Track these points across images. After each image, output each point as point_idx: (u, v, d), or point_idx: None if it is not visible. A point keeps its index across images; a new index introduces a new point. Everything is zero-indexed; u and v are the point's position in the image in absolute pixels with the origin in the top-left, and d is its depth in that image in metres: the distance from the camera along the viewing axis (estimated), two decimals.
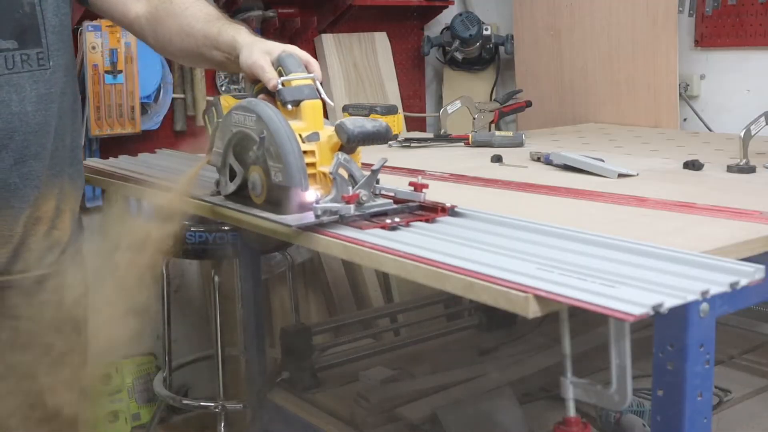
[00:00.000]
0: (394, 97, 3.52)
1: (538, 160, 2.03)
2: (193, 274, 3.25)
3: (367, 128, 1.32)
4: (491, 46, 3.64)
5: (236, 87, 3.25)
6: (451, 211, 1.31)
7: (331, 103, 1.45)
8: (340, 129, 1.32)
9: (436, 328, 2.69)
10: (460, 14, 3.58)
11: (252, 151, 1.35)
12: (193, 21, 1.56)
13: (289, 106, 1.38)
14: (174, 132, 3.12)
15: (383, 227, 1.24)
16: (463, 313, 2.82)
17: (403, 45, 3.61)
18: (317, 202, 1.24)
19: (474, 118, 2.67)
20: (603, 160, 1.89)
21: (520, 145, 2.35)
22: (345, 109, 2.73)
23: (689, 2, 2.94)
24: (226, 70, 1.68)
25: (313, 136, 1.33)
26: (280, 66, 1.42)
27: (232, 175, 1.42)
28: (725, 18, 2.87)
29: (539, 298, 0.97)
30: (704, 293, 0.94)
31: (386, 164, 2.13)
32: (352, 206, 1.25)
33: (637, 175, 1.81)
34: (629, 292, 0.95)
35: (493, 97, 3.66)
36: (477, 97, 3.24)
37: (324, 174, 1.31)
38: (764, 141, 2.07)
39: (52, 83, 1.49)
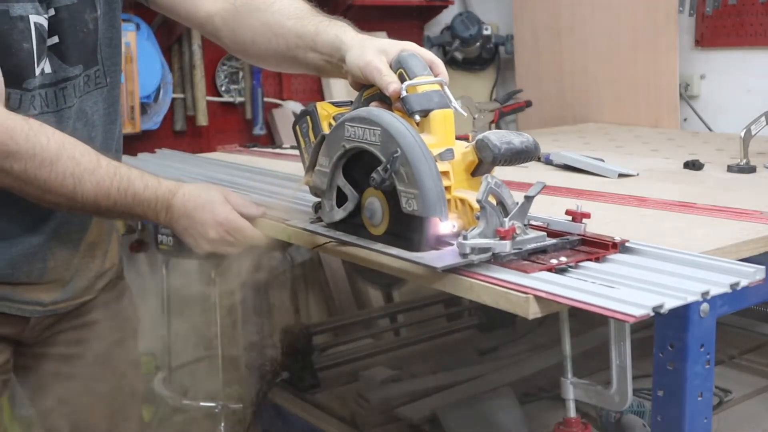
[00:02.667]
0: None
1: (539, 159, 2.03)
2: (193, 274, 3.24)
3: (515, 145, 1.10)
4: (491, 46, 3.64)
5: (236, 87, 3.25)
6: (622, 247, 1.09)
7: (464, 114, 1.21)
8: (483, 145, 1.09)
9: (436, 328, 2.69)
10: (460, 14, 3.58)
11: (376, 172, 1.09)
12: (282, 18, 1.36)
13: (417, 117, 1.15)
14: (174, 132, 3.12)
15: (549, 269, 1.03)
16: (463, 313, 2.82)
17: None
18: (464, 237, 1.03)
19: (474, 118, 2.67)
20: (603, 160, 1.89)
21: None
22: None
23: (689, 2, 2.94)
24: (324, 75, 1.42)
25: (447, 154, 1.11)
26: (401, 68, 1.19)
27: (341, 200, 1.20)
28: (725, 18, 2.87)
29: (539, 299, 0.97)
30: (704, 294, 0.94)
31: None
32: (508, 243, 1.03)
33: (637, 175, 1.80)
34: (629, 293, 0.95)
35: (493, 97, 3.66)
36: (477, 97, 3.24)
37: (462, 201, 1.10)
38: (764, 141, 2.06)
39: (111, 101, 1.41)
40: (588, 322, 2.41)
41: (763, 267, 1.00)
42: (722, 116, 2.94)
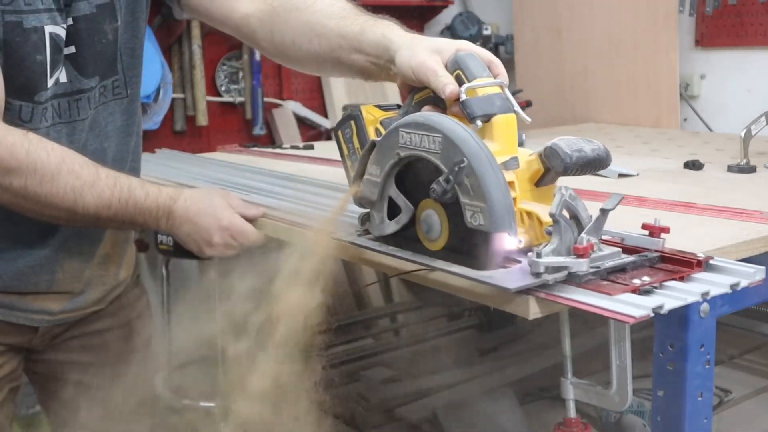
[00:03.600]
0: (394, 96, 3.52)
1: None
2: (193, 274, 3.24)
3: (586, 153, 1.02)
4: (491, 46, 3.64)
5: (236, 87, 3.25)
6: (706, 265, 1.00)
7: (528, 119, 1.12)
8: (552, 154, 1.01)
9: (436, 328, 2.69)
10: (460, 14, 3.58)
11: (437, 183, 0.99)
12: (324, 17, 1.27)
13: (479, 123, 1.05)
14: (174, 132, 3.12)
15: (634, 290, 0.94)
16: (463, 313, 2.82)
17: None
18: (537, 254, 0.94)
19: None
20: None
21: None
22: (345, 108, 2.73)
23: (690, 2, 2.94)
24: (370, 78, 1.28)
25: (512, 163, 1.02)
26: (458, 69, 1.10)
27: (393, 212, 1.11)
28: (725, 18, 2.87)
29: (539, 300, 0.97)
30: (704, 294, 0.94)
31: None
32: (585, 261, 0.94)
33: (638, 175, 1.80)
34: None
35: None
36: None
37: (529, 214, 1.01)
38: (764, 141, 2.06)
39: (130, 112, 1.37)
40: (588, 323, 2.41)
41: (763, 267, 1.00)
42: (722, 116, 2.94)
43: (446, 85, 1.08)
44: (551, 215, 0.95)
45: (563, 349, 1.25)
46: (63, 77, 1.23)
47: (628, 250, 1.03)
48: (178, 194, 1.29)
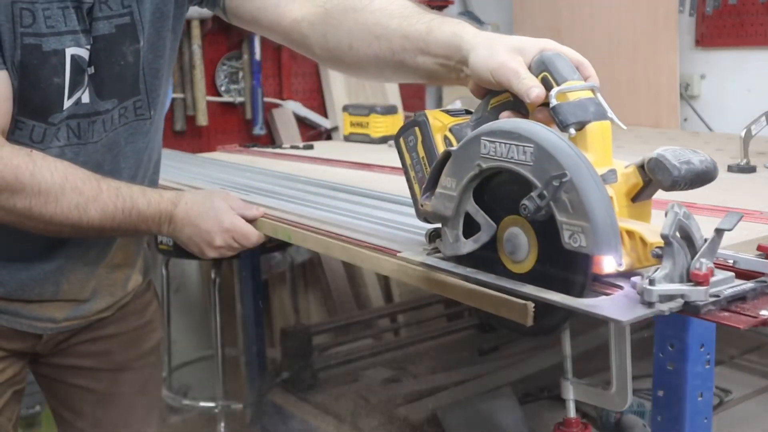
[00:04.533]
0: (394, 96, 3.52)
1: None
2: (193, 274, 3.25)
3: (695, 165, 0.92)
4: None
5: (236, 87, 3.24)
6: None
7: (624, 126, 1.00)
8: (659, 166, 0.91)
9: (436, 328, 2.69)
10: (461, 14, 3.58)
11: (529, 199, 0.89)
12: (384, 17, 1.17)
13: (572, 131, 0.95)
14: (174, 132, 3.12)
15: (764, 323, 0.86)
16: (463, 313, 2.82)
17: None
18: (650, 281, 0.84)
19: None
20: None
21: None
22: (345, 108, 2.73)
23: (690, 2, 2.94)
24: (436, 82, 1.24)
25: (610, 176, 0.92)
26: (545, 71, 1.00)
27: (469, 229, 1.00)
28: (726, 18, 2.87)
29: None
30: None
31: (385, 165, 2.13)
32: (704, 289, 0.84)
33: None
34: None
35: None
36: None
37: (630, 234, 0.89)
38: (764, 141, 2.06)
39: (151, 134, 1.36)
40: (588, 323, 2.41)
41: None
42: (722, 116, 2.94)
43: (531, 88, 0.98)
44: (664, 236, 0.85)
45: (563, 349, 1.25)
46: (85, 98, 1.22)
47: (741, 274, 0.93)
48: (179, 198, 1.30)
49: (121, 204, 1.22)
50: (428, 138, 1.07)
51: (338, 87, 3.39)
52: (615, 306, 0.86)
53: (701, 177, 0.92)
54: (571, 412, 1.26)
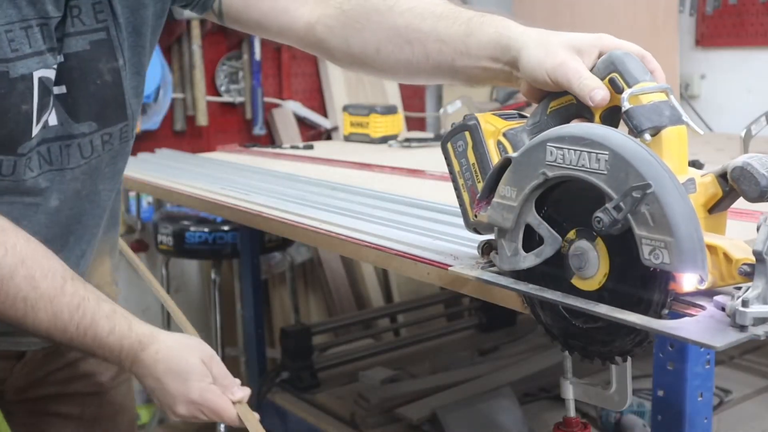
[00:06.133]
0: (394, 96, 3.52)
1: None
2: (193, 274, 3.25)
3: None
4: None
5: (236, 87, 3.25)
6: None
7: (700, 131, 0.96)
8: (746, 176, 0.84)
9: (436, 328, 2.69)
10: None
11: (603, 212, 0.82)
12: (416, 19, 1.07)
13: (647, 137, 0.87)
14: (174, 132, 3.12)
15: None
16: (463, 313, 2.82)
17: None
18: (743, 303, 0.79)
19: None
20: None
21: None
22: (345, 108, 2.73)
23: (690, 2, 2.94)
24: (479, 84, 1.10)
25: (690, 186, 0.86)
26: (614, 71, 0.92)
27: (530, 242, 0.93)
28: (726, 18, 2.87)
29: None
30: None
31: (385, 164, 2.12)
32: None
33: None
34: None
35: (493, 97, 3.66)
36: (477, 96, 3.24)
37: (712, 249, 0.84)
38: (765, 141, 2.06)
39: (128, 151, 1.21)
40: None
41: None
42: (722, 116, 2.94)
43: (594, 90, 0.90)
44: (757, 253, 0.79)
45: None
46: (53, 119, 1.08)
47: None
48: (151, 341, 1.10)
49: (78, 318, 1.04)
50: (480, 143, 1.00)
51: (338, 87, 3.39)
52: (702, 329, 0.80)
53: None
54: (571, 412, 1.27)
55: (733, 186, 0.85)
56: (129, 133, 1.17)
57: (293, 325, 2.51)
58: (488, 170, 0.98)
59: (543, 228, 0.91)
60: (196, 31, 3.01)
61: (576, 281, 0.89)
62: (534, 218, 0.91)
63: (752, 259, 0.80)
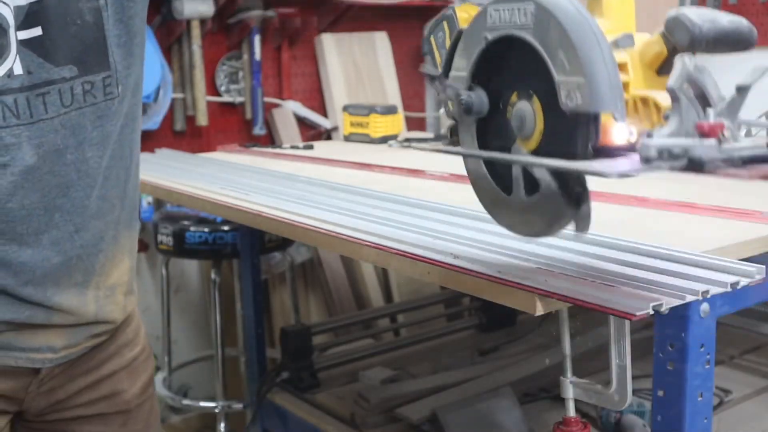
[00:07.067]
0: (394, 97, 3.52)
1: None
2: (193, 274, 3.25)
3: (722, 24, 0.86)
4: None
5: (236, 87, 3.25)
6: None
7: None
8: (677, 24, 0.84)
9: (436, 328, 2.69)
10: None
11: (535, 72, 0.83)
12: None
13: None
14: (174, 132, 3.12)
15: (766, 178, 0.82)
16: (463, 313, 2.82)
17: (403, 45, 3.61)
18: (648, 134, 0.78)
19: None
20: None
21: None
22: (345, 108, 2.73)
23: (690, 2, 2.94)
24: None
25: (625, 41, 0.88)
26: None
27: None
28: None
29: (541, 297, 0.97)
30: (705, 293, 0.94)
31: (385, 164, 2.13)
32: (713, 144, 0.77)
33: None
34: (630, 291, 0.95)
35: None
36: None
37: (644, 101, 0.85)
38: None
39: (120, 115, 1.12)
40: (588, 323, 2.41)
41: (763, 267, 1.00)
42: None
43: None
44: (669, 89, 0.79)
45: (563, 349, 1.25)
46: (18, 68, 1.00)
47: None
48: None
49: None
50: (456, 30, 1.00)
51: (338, 87, 3.39)
52: (614, 164, 0.80)
53: (729, 38, 0.85)
54: (571, 411, 1.27)
55: (669, 37, 0.85)
56: (114, 88, 1.09)
57: (293, 325, 2.50)
58: None
59: (480, 96, 0.93)
60: (196, 31, 3.02)
61: (519, 143, 0.90)
62: (479, 84, 0.93)
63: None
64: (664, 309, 0.90)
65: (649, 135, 0.78)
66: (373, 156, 2.24)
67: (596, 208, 1.40)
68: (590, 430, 1.27)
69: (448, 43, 1.00)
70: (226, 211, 1.70)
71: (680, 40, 0.84)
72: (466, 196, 1.59)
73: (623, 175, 0.79)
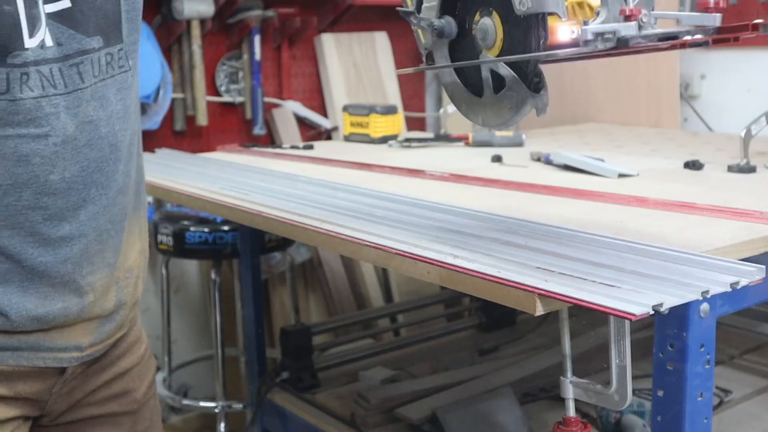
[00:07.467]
0: (394, 97, 3.52)
1: (539, 160, 2.03)
2: (193, 274, 3.25)
3: None
4: None
5: (236, 87, 3.25)
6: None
7: None
8: None
9: (436, 328, 2.69)
10: None
11: None
12: None
13: None
14: (174, 132, 3.12)
15: (684, 45, 1.00)
16: (463, 313, 2.82)
17: (403, 45, 3.61)
18: (584, 23, 0.99)
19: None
20: (603, 160, 1.89)
21: (520, 145, 2.34)
22: (345, 108, 2.73)
23: (690, 2, 2.94)
24: None
25: None
26: None
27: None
28: (726, 18, 2.86)
29: (542, 297, 0.97)
30: (704, 293, 0.94)
31: (385, 164, 2.13)
32: (634, 24, 0.98)
33: (638, 175, 1.80)
34: (629, 291, 0.95)
35: None
36: None
37: (579, 4, 1.04)
38: (765, 141, 2.06)
39: (132, 88, 1.16)
40: (588, 323, 2.41)
41: (763, 267, 1.00)
42: (722, 116, 2.94)
43: None
44: None
45: (563, 349, 1.25)
46: (49, 41, 1.03)
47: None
48: None
49: None
50: None
51: (338, 87, 3.39)
52: (563, 52, 0.99)
53: None
54: (571, 411, 1.27)
55: None
56: (125, 61, 1.13)
57: (293, 325, 2.50)
58: None
59: (446, 19, 1.13)
60: (196, 31, 3.02)
61: (485, 52, 1.09)
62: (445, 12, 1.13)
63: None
64: (664, 309, 0.90)
65: (586, 23, 0.98)
66: (373, 156, 2.24)
67: (597, 208, 1.41)
68: (590, 430, 1.27)
69: None
70: (226, 211, 1.70)
71: None
72: (465, 196, 1.60)
73: (571, 58, 0.99)
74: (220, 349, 2.68)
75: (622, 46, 0.99)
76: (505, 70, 1.08)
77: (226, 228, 2.50)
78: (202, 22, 3.02)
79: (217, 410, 2.71)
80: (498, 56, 1.08)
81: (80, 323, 1.15)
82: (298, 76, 3.38)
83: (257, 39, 3.16)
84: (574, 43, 0.99)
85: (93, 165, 1.09)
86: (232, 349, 2.96)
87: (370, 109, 2.59)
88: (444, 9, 1.15)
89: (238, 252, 2.48)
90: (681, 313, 1.16)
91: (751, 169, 1.80)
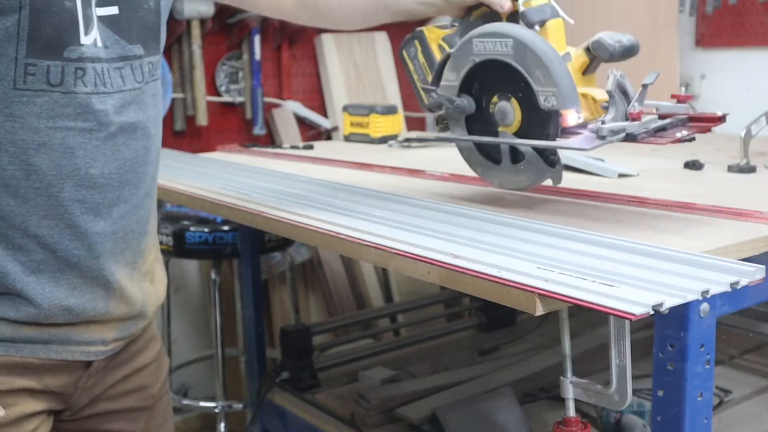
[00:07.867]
0: (394, 97, 3.52)
1: None
2: (193, 274, 3.25)
3: (625, 43, 1.29)
4: None
5: (236, 87, 3.25)
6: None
7: (571, 21, 1.35)
8: (599, 46, 1.27)
9: (436, 328, 2.69)
10: None
11: (511, 82, 1.28)
12: None
13: (537, 27, 1.30)
14: (174, 132, 3.12)
15: (675, 141, 1.22)
16: (463, 313, 2.82)
17: None
18: (602, 122, 1.21)
19: None
20: (603, 160, 1.88)
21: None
22: (345, 108, 2.73)
23: (690, 2, 2.94)
24: (417, 18, 1.46)
25: (567, 57, 1.29)
26: None
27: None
28: (726, 18, 2.87)
29: (542, 297, 0.97)
30: (704, 293, 0.94)
31: (385, 164, 2.13)
32: (638, 123, 1.21)
33: (638, 175, 1.80)
34: (630, 291, 0.95)
35: None
36: None
37: (584, 96, 1.27)
38: (765, 141, 2.06)
39: (159, 96, 1.25)
40: (588, 322, 2.41)
41: (763, 267, 1.00)
42: None
43: (503, 1, 1.31)
44: (608, 92, 1.22)
45: (563, 349, 1.25)
46: (99, 41, 1.08)
47: (662, 116, 1.27)
48: None
49: None
50: (426, 47, 1.42)
51: (338, 87, 3.39)
52: (579, 141, 1.24)
53: (630, 51, 1.30)
54: (571, 411, 1.26)
55: (595, 54, 1.29)
56: (156, 70, 1.20)
57: (293, 325, 2.50)
58: (434, 65, 1.41)
59: (466, 101, 1.36)
60: (196, 31, 3.02)
61: (502, 128, 1.34)
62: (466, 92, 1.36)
63: (608, 98, 1.24)
64: (664, 309, 0.90)
65: (603, 122, 1.22)
66: (373, 156, 2.24)
67: (597, 208, 1.41)
68: (590, 430, 1.27)
69: (419, 56, 1.43)
70: (226, 211, 1.70)
71: (602, 56, 1.28)
72: (466, 197, 1.60)
73: (590, 150, 1.22)
74: (220, 349, 2.68)
75: (628, 139, 1.22)
76: (525, 149, 1.34)
77: (226, 228, 2.50)
78: (202, 22, 3.02)
79: (217, 410, 2.71)
80: (516, 133, 1.32)
81: (106, 319, 1.18)
82: (298, 76, 3.38)
83: (257, 39, 3.16)
84: (581, 126, 1.25)
85: (128, 164, 1.14)
86: (232, 349, 2.96)
87: (370, 109, 2.59)
88: (463, 88, 1.36)
89: (238, 252, 2.48)
90: (681, 313, 1.16)
91: (751, 169, 1.80)
